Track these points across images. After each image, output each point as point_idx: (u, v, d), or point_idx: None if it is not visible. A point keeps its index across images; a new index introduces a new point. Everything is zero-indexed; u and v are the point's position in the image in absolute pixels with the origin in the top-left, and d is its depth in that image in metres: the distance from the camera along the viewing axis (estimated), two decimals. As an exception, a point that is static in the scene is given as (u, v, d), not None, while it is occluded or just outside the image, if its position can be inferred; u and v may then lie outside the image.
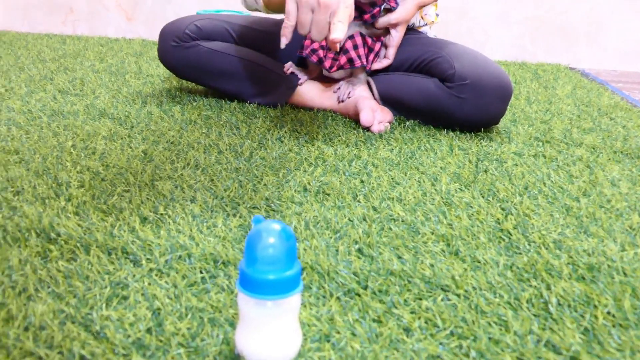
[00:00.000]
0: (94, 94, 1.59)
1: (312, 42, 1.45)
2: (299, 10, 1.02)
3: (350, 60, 1.41)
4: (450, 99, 1.35)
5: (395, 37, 1.43)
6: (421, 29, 1.59)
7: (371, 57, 1.43)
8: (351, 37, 1.42)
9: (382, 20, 1.41)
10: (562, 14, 2.52)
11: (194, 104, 1.51)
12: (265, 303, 0.56)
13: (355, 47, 1.42)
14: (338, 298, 0.69)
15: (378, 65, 1.46)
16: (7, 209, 0.89)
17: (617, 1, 2.49)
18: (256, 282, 0.56)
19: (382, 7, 1.40)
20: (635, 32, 2.51)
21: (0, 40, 2.44)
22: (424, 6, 1.46)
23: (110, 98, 1.54)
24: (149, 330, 0.62)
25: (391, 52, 1.45)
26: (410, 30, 1.57)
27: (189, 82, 1.77)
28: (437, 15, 1.62)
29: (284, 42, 1.06)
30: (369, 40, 1.44)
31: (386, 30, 1.43)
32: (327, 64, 1.43)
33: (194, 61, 1.49)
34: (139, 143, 1.20)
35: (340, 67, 1.43)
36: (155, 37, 2.78)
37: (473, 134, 1.38)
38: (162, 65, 2.02)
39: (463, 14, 2.54)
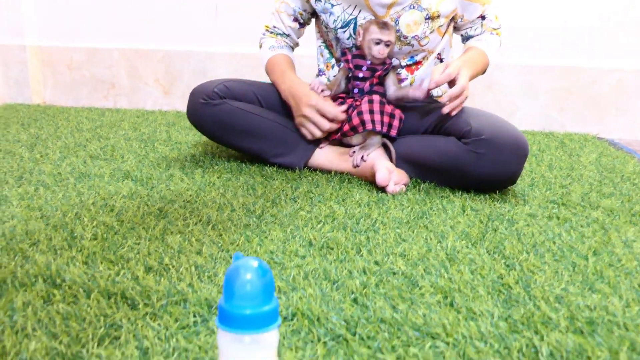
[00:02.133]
0: (122, 158, 1.66)
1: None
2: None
3: (363, 123, 1.44)
4: (467, 155, 1.37)
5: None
6: (440, 99, 1.63)
7: (387, 119, 1.46)
8: (370, 101, 1.46)
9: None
10: (590, 85, 2.54)
11: (216, 167, 1.56)
12: (243, 338, 0.57)
13: (372, 111, 1.45)
14: (325, 343, 0.69)
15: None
16: (21, 258, 0.93)
17: (644, 72, 2.50)
18: (233, 317, 0.57)
19: (392, 63, 1.47)
20: (665, 102, 2.50)
21: (45, 114, 2.58)
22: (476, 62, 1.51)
23: (137, 162, 1.61)
24: (134, 368, 0.63)
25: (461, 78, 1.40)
26: (429, 99, 1.60)
27: (213, 146, 1.84)
28: None
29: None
30: (389, 108, 1.48)
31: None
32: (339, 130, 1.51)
33: (219, 118, 1.55)
34: (156, 201, 1.24)
35: (354, 128, 1.47)
36: (190, 110, 2.89)
37: (487, 196, 1.38)
38: (191, 133, 2.10)
39: (489, 86, 2.58)
